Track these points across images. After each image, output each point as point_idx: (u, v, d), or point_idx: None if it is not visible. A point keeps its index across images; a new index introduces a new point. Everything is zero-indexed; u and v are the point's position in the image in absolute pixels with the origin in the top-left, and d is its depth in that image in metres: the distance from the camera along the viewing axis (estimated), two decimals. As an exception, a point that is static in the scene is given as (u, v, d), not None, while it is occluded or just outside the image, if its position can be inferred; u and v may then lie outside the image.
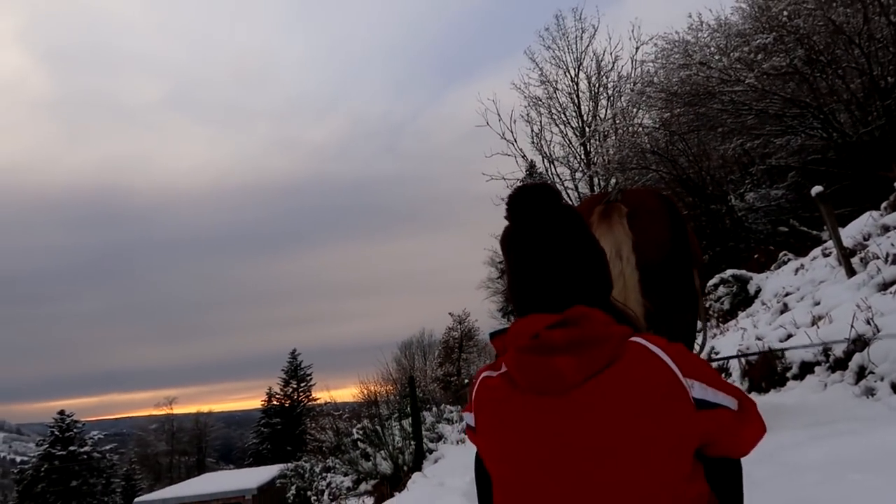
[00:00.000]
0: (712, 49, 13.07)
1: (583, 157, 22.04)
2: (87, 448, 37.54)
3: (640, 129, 17.91)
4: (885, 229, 6.78)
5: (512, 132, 22.40)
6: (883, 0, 10.13)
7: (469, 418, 1.38)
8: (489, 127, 22.34)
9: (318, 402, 37.10)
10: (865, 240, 6.97)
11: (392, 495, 8.03)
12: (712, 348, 6.98)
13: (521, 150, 22.56)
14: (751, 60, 11.38)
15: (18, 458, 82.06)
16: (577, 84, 22.49)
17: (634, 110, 18.80)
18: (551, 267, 1.26)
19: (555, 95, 22.58)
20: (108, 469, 39.64)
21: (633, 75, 20.20)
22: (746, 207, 13.61)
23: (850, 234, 7.23)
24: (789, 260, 9.41)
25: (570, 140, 22.37)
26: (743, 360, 5.94)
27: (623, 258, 3.24)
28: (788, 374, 5.34)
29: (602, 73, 22.04)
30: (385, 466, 10.41)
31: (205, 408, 59.87)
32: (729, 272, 9.93)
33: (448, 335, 32.70)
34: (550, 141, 22.40)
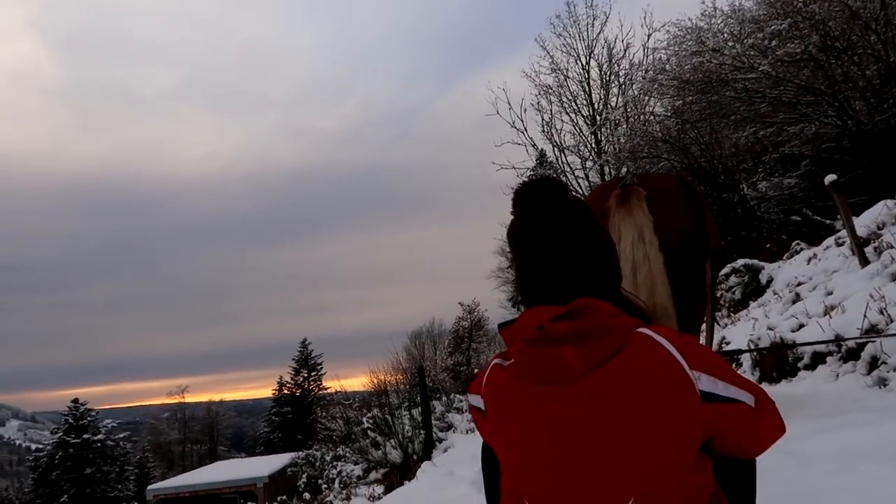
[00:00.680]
0: (725, 35, 12.92)
1: (594, 146, 21.83)
2: (100, 436, 37.92)
3: (652, 117, 17.74)
4: (900, 218, 6.70)
5: (522, 121, 22.14)
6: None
7: (477, 401, 1.39)
8: (499, 116, 22.17)
9: (329, 391, 37.34)
10: (879, 229, 6.88)
11: (402, 484, 8.09)
12: (723, 338, 6.93)
13: (531, 138, 22.33)
14: (765, 47, 11.21)
15: (34, 446, 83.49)
16: (588, 72, 22.22)
17: (646, 98, 18.62)
18: (557, 260, 1.27)
19: (565, 84, 22.31)
20: (122, 457, 40.04)
21: (644, 63, 19.92)
22: (759, 196, 13.45)
23: (863, 223, 7.14)
24: (802, 249, 9.31)
25: (580, 129, 22.15)
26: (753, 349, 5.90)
27: (646, 241, 3.11)
28: (800, 365, 5.32)
29: (613, 61, 21.75)
30: (395, 455, 10.48)
31: (216, 396, 60.30)
32: (741, 262, 9.86)
33: (458, 325, 32.68)
34: (561, 130, 22.14)
